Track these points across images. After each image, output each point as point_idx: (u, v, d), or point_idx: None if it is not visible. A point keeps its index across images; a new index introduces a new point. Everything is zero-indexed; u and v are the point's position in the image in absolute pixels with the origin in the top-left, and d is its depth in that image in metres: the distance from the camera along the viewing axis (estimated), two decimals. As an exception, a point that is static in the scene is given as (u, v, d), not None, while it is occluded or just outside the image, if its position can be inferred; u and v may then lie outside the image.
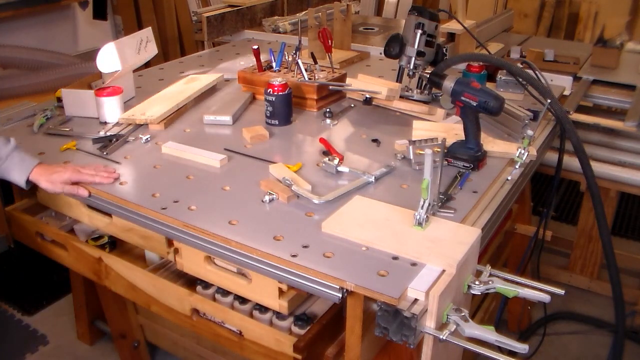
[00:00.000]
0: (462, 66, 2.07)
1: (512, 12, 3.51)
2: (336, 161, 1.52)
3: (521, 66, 1.94)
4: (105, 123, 1.83)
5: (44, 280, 2.76)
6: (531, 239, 2.10)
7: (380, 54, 2.42)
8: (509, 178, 1.53)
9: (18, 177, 1.48)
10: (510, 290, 1.18)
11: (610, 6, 4.30)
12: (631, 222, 3.35)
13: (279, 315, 1.39)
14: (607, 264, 1.84)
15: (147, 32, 2.01)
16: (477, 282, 1.20)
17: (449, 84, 1.57)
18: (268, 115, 1.84)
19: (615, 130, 2.18)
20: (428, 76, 1.73)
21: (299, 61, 1.95)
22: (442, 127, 1.78)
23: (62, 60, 2.96)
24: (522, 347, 1.07)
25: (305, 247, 1.21)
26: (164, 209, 1.36)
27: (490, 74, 2.04)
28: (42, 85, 2.68)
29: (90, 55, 2.82)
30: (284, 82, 1.80)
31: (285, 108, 1.83)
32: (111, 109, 1.82)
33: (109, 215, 1.51)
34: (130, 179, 1.51)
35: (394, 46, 1.91)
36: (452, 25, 2.45)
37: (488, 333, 1.09)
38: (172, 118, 1.86)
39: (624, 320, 1.90)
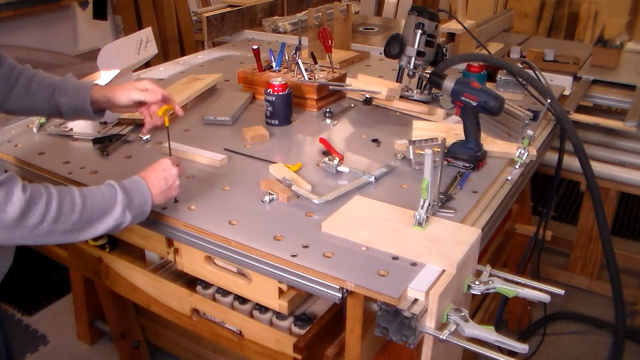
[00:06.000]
0: (462, 66, 2.07)
1: (512, 12, 3.51)
2: (336, 161, 1.52)
3: (521, 66, 1.94)
4: (105, 123, 1.82)
5: (44, 280, 2.76)
6: (531, 239, 2.10)
7: (380, 54, 2.42)
8: (509, 178, 1.53)
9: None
10: (510, 290, 1.18)
11: (610, 6, 4.30)
12: (631, 222, 3.35)
13: (279, 315, 1.39)
14: (607, 264, 1.84)
15: (147, 32, 2.01)
16: (477, 282, 1.20)
17: (449, 84, 1.57)
18: (268, 115, 1.84)
19: (615, 130, 2.19)
20: (428, 76, 1.73)
21: (299, 61, 1.95)
22: (442, 127, 1.78)
23: (62, 60, 2.97)
24: (522, 347, 1.07)
25: (305, 247, 1.21)
26: (164, 209, 1.36)
27: (490, 74, 2.04)
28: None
29: (90, 55, 2.82)
30: (284, 82, 1.80)
31: (285, 108, 1.83)
32: (111, 109, 1.82)
33: (109, 215, 1.51)
34: (130, 179, 1.51)
35: (394, 46, 1.91)
36: (452, 25, 2.45)
37: (488, 333, 1.09)
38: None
39: (624, 320, 1.90)
